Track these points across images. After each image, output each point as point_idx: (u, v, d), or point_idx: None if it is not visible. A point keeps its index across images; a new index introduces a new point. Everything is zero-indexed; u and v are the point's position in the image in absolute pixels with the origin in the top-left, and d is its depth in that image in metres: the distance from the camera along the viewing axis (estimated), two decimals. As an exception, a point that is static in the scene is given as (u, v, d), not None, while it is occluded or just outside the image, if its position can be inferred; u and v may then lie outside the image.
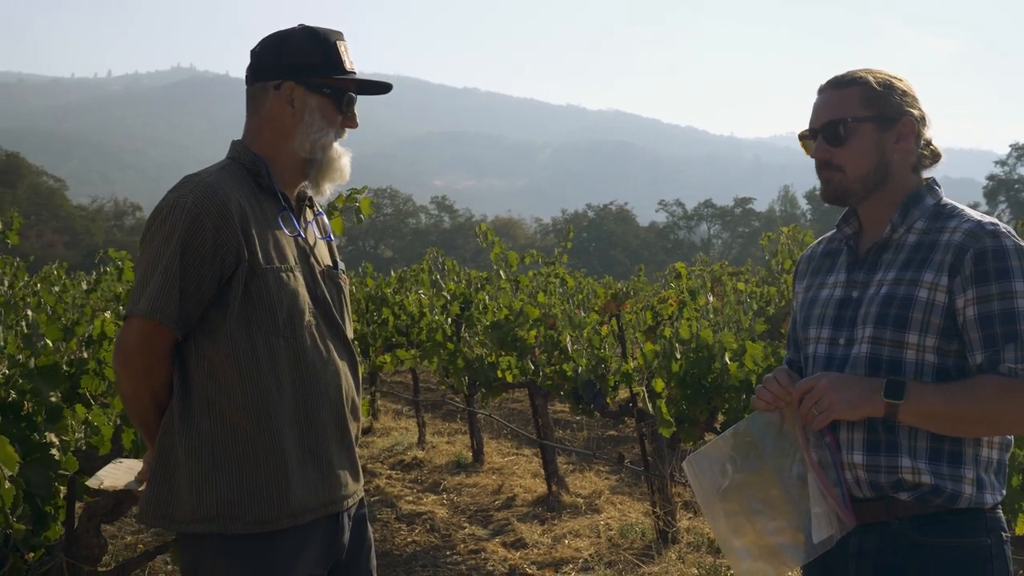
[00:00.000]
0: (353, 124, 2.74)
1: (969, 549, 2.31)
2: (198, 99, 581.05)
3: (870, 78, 2.42)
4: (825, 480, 2.35)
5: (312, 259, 2.70)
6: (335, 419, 2.65)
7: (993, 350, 2.25)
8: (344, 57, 2.69)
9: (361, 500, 2.81)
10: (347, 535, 2.70)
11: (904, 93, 2.43)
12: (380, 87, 2.81)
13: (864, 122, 2.39)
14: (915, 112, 2.42)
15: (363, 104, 2.80)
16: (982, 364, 2.27)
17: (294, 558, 2.55)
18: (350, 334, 2.83)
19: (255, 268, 2.53)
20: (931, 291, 2.30)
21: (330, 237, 2.88)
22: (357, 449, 2.78)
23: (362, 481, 2.80)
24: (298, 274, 2.62)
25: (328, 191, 2.76)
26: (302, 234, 2.68)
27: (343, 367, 2.71)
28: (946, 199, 2.45)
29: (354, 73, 2.71)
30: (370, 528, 2.87)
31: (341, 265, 2.88)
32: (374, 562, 2.87)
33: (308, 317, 2.61)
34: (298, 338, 2.58)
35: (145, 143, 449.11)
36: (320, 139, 2.65)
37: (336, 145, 2.69)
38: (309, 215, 2.81)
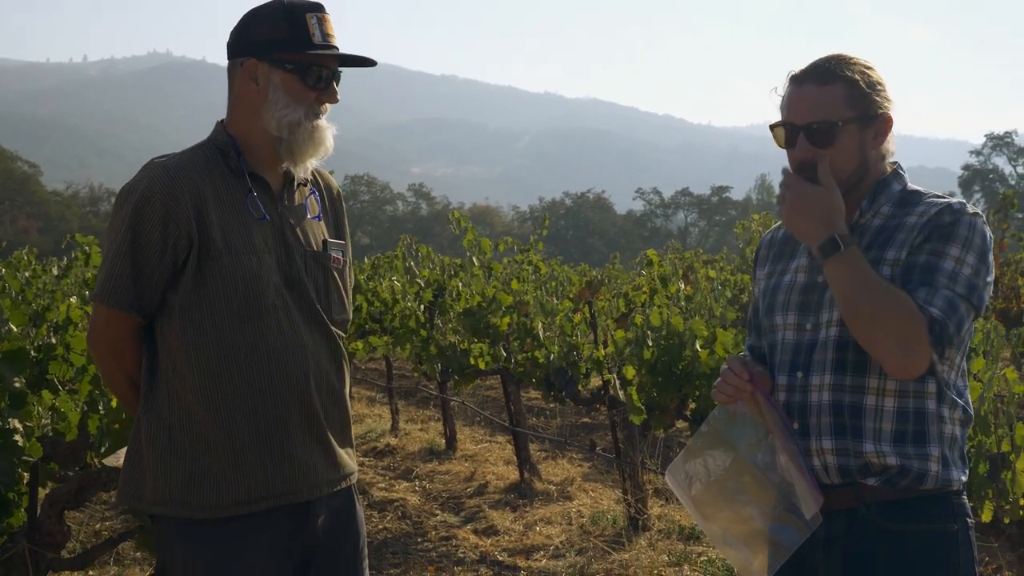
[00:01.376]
0: (331, 99, 2.62)
1: (936, 534, 2.32)
2: (175, 84, 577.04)
3: (855, 76, 2.36)
4: (798, 461, 2.37)
5: (292, 240, 2.62)
6: (300, 406, 2.57)
7: (906, 288, 2.24)
8: (314, 31, 2.56)
9: (348, 491, 2.74)
10: (320, 525, 2.64)
11: (882, 87, 2.40)
12: (359, 61, 2.68)
13: (850, 123, 2.37)
14: (890, 105, 2.42)
15: (342, 90, 2.66)
16: None
17: (250, 545, 2.52)
18: (348, 316, 2.77)
19: (209, 251, 2.50)
20: (893, 268, 2.30)
21: (319, 216, 2.75)
22: (342, 436, 2.71)
23: (347, 471, 2.72)
24: (266, 257, 2.55)
25: (311, 166, 2.67)
26: (267, 217, 2.59)
27: (317, 352, 2.63)
28: (912, 185, 2.45)
29: (330, 47, 2.59)
30: (360, 520, 2.79)
31: (341, 244, 2.77)
32: (364, 554, 2.78)
33: (272, 301, 2.54)
34: (256, 323, 2.53)
35: (122, 128, 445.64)
36: (286, 116, 2.55)
37: (312, 122, 2.57)
38: (304, 192, 2.72)
